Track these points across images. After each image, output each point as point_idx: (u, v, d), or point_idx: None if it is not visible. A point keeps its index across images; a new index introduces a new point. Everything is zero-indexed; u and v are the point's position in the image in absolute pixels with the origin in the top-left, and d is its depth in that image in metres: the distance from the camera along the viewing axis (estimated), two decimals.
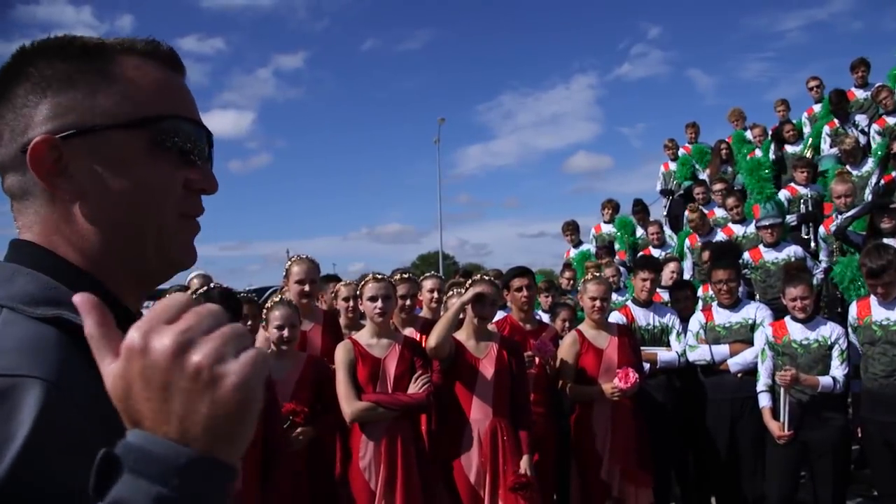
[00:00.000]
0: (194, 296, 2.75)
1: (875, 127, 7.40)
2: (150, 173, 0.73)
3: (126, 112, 0.72)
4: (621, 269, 6.92)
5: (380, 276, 3.60)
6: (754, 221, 6.53)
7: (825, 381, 3.95)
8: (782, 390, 4.00)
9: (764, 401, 4.18)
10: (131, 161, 0.72)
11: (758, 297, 5.90)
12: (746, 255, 6.10)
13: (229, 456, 0.52)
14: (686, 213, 7.44)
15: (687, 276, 6.62)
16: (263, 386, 0.53)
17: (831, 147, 7.73)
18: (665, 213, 9.51)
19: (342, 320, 4.19)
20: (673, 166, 9.58)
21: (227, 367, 0.51)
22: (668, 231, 8.15)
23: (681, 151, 9.69)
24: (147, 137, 0.73)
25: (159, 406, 0.50)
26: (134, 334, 0.52)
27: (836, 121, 7.87)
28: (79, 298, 0.56)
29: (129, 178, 0.72)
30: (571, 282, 7.40)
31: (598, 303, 4.13)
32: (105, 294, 0.71)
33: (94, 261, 0.73)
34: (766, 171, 7.35)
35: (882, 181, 6.14)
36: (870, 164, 6.81)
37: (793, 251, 6.00)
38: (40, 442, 0.55)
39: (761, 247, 6.09)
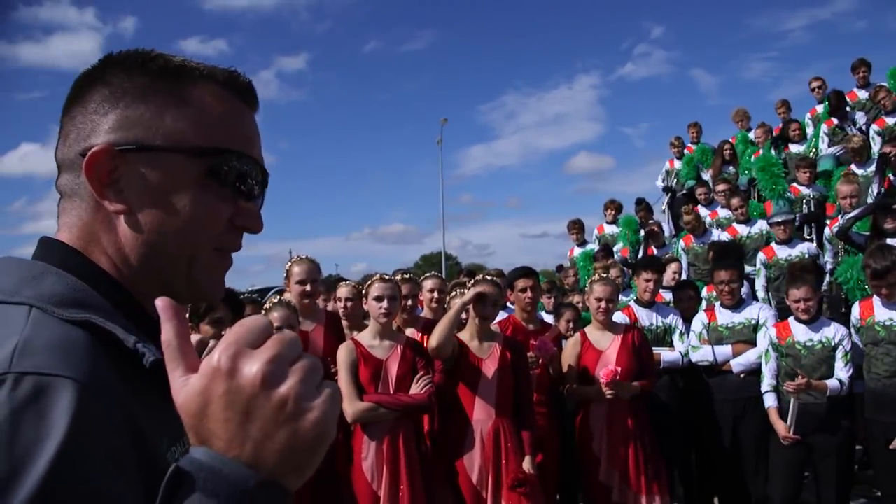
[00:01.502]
0: None
1: (874, 127, 7.40)
2: (197, 202, 0.73)
3: (189, 138, 0.72)
4: (624, 269, 6.92)
5: (387, 277, 3.61)
6: (767, 218, 6.53)
7: (832, 384, 3.93)
8: (792, 397, 3.98)
9: (769, 401, 4.17)
10: (182, 187, 0.72)
11: (769, 296, 5.89)
12: (761, 255, 6.10)
13: (294, 485, 0.54)
14: (684, 214, 7.45)
15: (683, 277, 6.62)
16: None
17: (829, 146, 7.72)
18: (663, 209, 9.51)
19: (344, 321, 4.19)
20: (678, 164, 9.58)
21: (312, 402, 0.53)
22: (668, 231, 8.16)
23: (685, 151, 9.69)
24: (204, 166, 0.73)
25: (237, 429, 0.52)
26: (221, 356, 0.53)
27: (833, 119, 7.87)
28: (161, 303, 0.58)
29: (175, 202, 0.72)
30: (574, 280, 7.40)
31: (603, 304, 4.12)
32: (134, 303, 0.73)
33: (125, 273, 0.74)
34: (778, 167, 7.35)
35: (883, 187, 6.12)
36: (873, 165, 6.80)
37: (806, 248, 6.00)
38: (75, 442, 0.55)
39: (774, 244, 6.08)
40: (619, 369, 3.93)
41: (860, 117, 7.68)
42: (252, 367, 0.52)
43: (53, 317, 0.64)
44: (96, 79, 0.73)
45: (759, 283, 6.11)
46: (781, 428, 4.04)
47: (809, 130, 8.55)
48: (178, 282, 0.76)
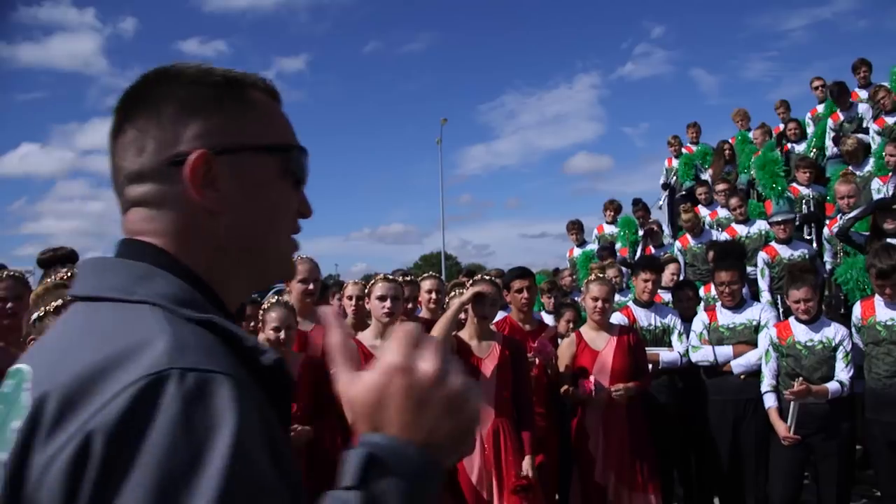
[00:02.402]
0: None
1: (874, 127, 7.38)
2: (278, 195, 0.80)
3: (263, 138, 0.79)
4: (623, 269, 6.91)
5: (391, 277, 3.62)
6: (767, 217, 6.52)
7: (833, 387, 3.91)
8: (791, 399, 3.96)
9: (769, 401, 4.15)
10: (265, 183, 0.79)
11: (774, 297, 5.88)
12: (764, 254, 6.09)
13: (451, 463, 0.65)
14: (682, 213, 7.44)
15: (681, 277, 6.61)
16: None
17: (835, 144, 7.70)
18: (661, 207, 9.51)
19: (347, 319, 4.18)
20: (676, 163, 9.57)
21: (471, 395, 0.65)
22: (667, 231, 8.15)
23: (683, 150, 9.69)
24: (278, 162, 0.80)
25: (412, 418, 0.62)
26: (398, 356, 0.64)
27: (840, 114, 7.84)
28: (327, 310, 0.72)
29: (262, 197, 0.79)
30: (572, 280, 7.39)
31: (599, 304, 4.11)
32: (221, 303, 0.78)
33: (211, 271, 0.77)
34: (778, 166, 7.34)
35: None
36: (871, 164, 6.79)
37: (807, 251, 6.00)
38: (242, 431, 0.58)
39: (775, 244, 6.08)
40: (590, 384, 3.94)
41: (865, 110, 7.64)
42: (426, 366, 0.63)
43: (178, 316, 0.67)
44: (161, 94, 0.77)
45: (764, 284, 6.09)
46: (782, 428, 4.03)
47: (810, 130, 8.55)
48: (266, 268, 0.82)
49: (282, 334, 3.37)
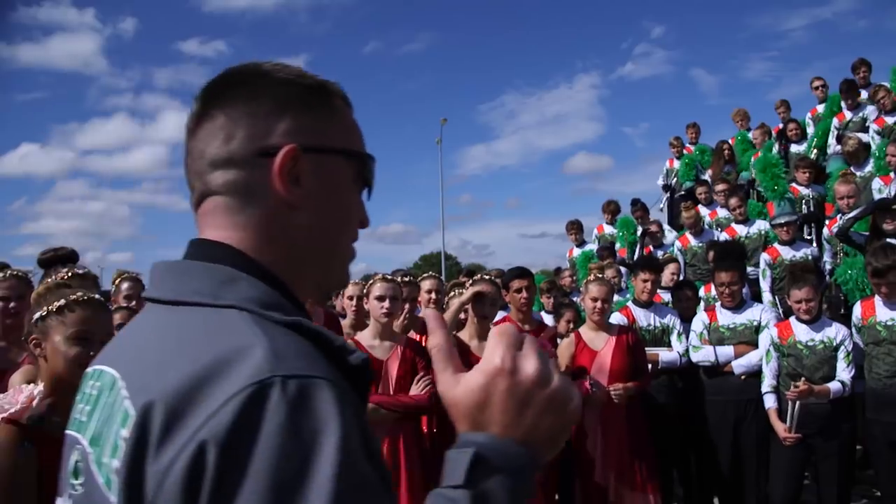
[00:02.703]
0: None
1: (874, 126, 7.38)
2: (351, 200, 0.83)
3: (345, 143, 0.82)
4: (622, 269, 6.92)
5: (389, 277, 3.62)
6: (769, 219, 6.53)
7: (835, 387, 3.92)
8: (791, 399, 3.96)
9: (770, 401, 4.15)
10: (342, 186, 0.81)
11: (776, 299, 5.88)
12: (766, 255, 6.10)
13: (547, 459, 0.67)
14: (684, 211, 7.44)
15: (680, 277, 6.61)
16: None
17: (838, 142, 7.69)
18: (662, 208, 9.52)
19: (347, 319, 4.19)
20: (678, 164, 9.59)
21: (571, 394, 0.67)
22: (667, 230, 8.16)
23: (683, 151, 9.70)
24: (354, 168, 0.82)
25: (514, 417, 0.64)
26: (502, 358, 0.65)
27: (846, 113, 7.83)
28: (430, 313, 0.73)
29: (337, 199, 0.81)
30: (572, 280, 7.40)
31: (598, 304, 4.12)
32: (299, 303, 0.78)
33: (288, 269, 0.78)
34: (779, 168, 7.35)
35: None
36: (871, 164, 6.79)
37: (809, 251, 6.00)
38: (347, 435, 0.59)
39: (777, 245, 6.08)
40: (587, 384, 3.94)
41: (871, 112, 7.65)
42: (529, 367, 0.65)
43: (267, 320, 0.68)
44: (256, 87, 0.79)
45: (765, 286, 6.09)
46: (781, 428, 4.03)
47: (810, 130, 8.55)
48: (329, 271, 0.83)
49: None
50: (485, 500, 0.61)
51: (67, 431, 0.80)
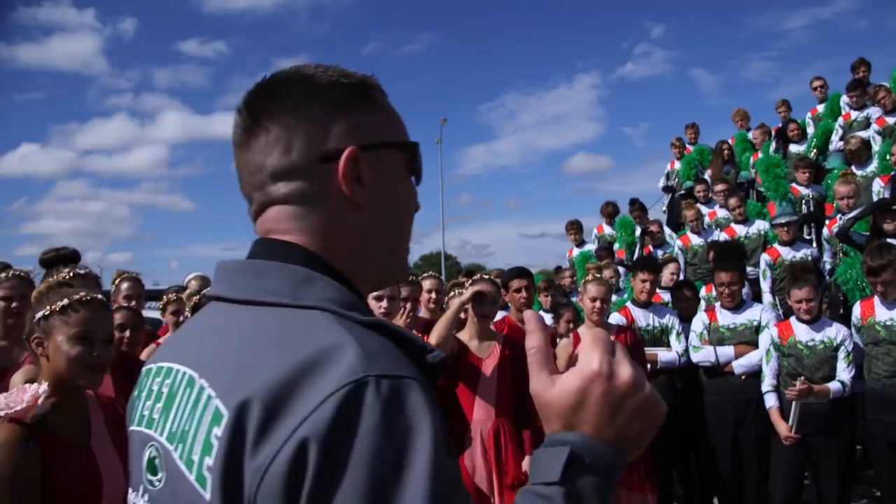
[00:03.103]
0: (197, 296, 2.76)
1: (875, 126, 7.38)
2: (408, 191, 0.85)
3: (396, 136, 0.83)
4: (620, 269, 6.93)
5: None
6: (770, 219, 6.53)
7: (835, 387, 3.93)
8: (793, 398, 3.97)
9: (770, 401, 4.16)
10: (398, 179, 0.83)
11: (776, 300, 5.89)
12: (766, 256, 6.10)
13: (632, 458, 0.70)
14: (685, 209, 7.44)
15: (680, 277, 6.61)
16: None
17: (840, 139, 7.68)
18: (664, 210, 9.52)
19: None
20: (679, 165, 9.59)
21: (659, 401, 0.70)
22: (667, 231, 8.17)
23: (684, 152, 9.70)
24: (406, 160, 0.83)
25: (607, 419, 0.67)
26: (599, 363, 0.67)
27: (850, 113, 7.83)
28: (530, 315, 0.75)
29: (395, 193, 0.82)
30: (572, 280, 7.41)
31: (597, 304, 4.13)
32: (364, 299, 0.80)
33: (353, 268, 0.79)
34: (780, 168, 7.35)
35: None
36: (874, 164, 6.79)
37: (809, 252, 6.00)
38: (437, 433, 0.61)
39: (778, 245, 6.09)
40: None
41: (875, 112, 7.66)
42: (625, 373, 0.68)
43: (349, 320, 0.69)
44: (302, 93, 0.79)
45: (766, 286, 6.09)
46: (783, 428, 4.03)
47: (810, 130, 8.55)
48: (393, 267, 0.85)
49: None
50: (578, 498, 0.63)
51: (134, 427, 0.82)
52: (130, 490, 0.82)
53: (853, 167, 6.83)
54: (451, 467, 0.63)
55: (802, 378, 3.90)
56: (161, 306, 4.05)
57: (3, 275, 2.91)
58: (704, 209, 7.87)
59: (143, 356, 3.35)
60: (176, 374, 0.76)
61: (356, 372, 0.62)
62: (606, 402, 0.67)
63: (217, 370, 0.70)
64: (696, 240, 7.11)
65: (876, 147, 7.06)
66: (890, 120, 7.24)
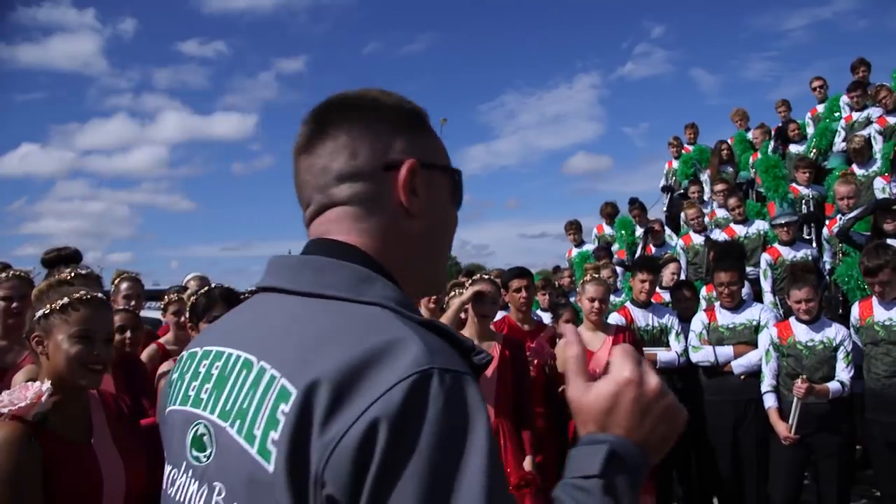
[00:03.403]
0: (196, 295, 2.77)
1: (876, 126, 7.38)
2: (451, 210, 0.93)
3: (444, 160, 0.92)
4: (618, 269, 6.92)
5: None
6: (770, 219, 6.53)
7: (834, 387, 3.93)
8: (795, 397, 3.97)
9: (770, 401, 4.16)
10: (444, 198, 0.91)
11: (777, 300, 5.89)
12: (767, 256, 6.10)
13: (655, 462, 0.76)
14: (685, 209, 7.43)
15: (682, 276, 6.60)
16: None
17: (843, 141, 7.68)
18: (665, 210, 9.52)
19: None
20: (676, 164, 9.59)
21: (682, 409, 0.77)
22: (667, 231, 8.17)
23: (682, 151, 9.70)
24: (450, 183, 0.92)
25: (636, 422, 0.74)
26: (630, 371, 0.75)
27: (852, 114, 7.83)
28: (569, 328, 0.83)
29: (443, 209, 0.90)
30: (570, 281, 7.41)
31: (596, 304, 4.13)
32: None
33: (401, 271, 0.85)
34: (780, 169, 7.35)
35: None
36: (877, 164, 6.79)
37: (809, 252, 6.01)
38: (489, 426, 0.67)
39: (778, 245, 6.09)
40: (598, 371, 3.96)
41: (875, 112, 7.66)
42: (653, 381, 0.76)
43: (406, 318, 0.75)
44: (370, 110, 0.88)
45: (767, 286, 6.09)
46: (783, 428, 4.03)
47: (810, 130, 8.55)
48: (435, 276, 0.93)
49: None
50: (614, 491, 0.70)
51: (176, 407, 0.86)
52: (170, 468, 0.85)
53: (855, 166, 6.83)
54: (501, 463, 0.68)
55: (803, 377, 3.90)
56: (162, 307, 4.06)
57: (3, 275, 2.91)
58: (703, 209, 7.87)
59: (143, 357, 3.35)
60: (228, 358, 0.80)
61: (421, 363, 0.67)
62: (637, 407, 0.74)
63: (280, 354, 0.74)
64: (697, 239, 7.11)
65: (877, 146, 7.06)
66: (891, 120, 7.23)
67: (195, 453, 0.79)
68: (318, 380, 0.67)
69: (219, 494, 0.74)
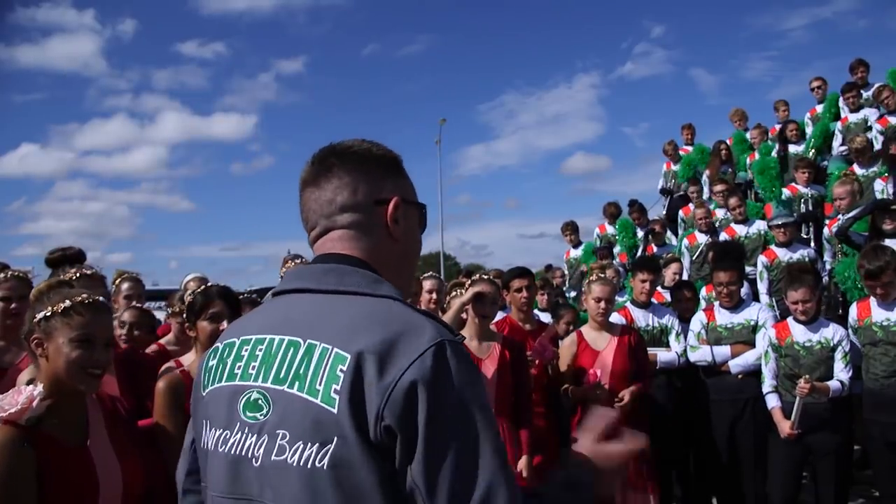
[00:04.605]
0: (194, 293, 2.74)
1: (877, 127, 7.38)
2: (418, 237, 1.22)
3: (415, 197, 1.22)
4: (620, 270, 6.91)
5: None
6: (767, 220, 6.51)
7: (834, 386, 3.92)
8: (798, 396, 3.94)
9: (773, 401, 4.14)
10: (415, 227, 1.20)
11: (773, 301, 5.87)
12: (763, 257, 6.09)
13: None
14: (693, 208, 7.40)
15: (684, 276, 6.59)
16: None
17: (842, 144, 7.67)
18: (664, 212, 9.51)
19: None
20: (675, 166, 9.58)
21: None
22: (668, 233, 8.16)
23: (680, 153, 9.68)
24: (418, 215, 1.21)
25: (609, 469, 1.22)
26: (629, 449, 1.28)
27: (848, 116, 7.82)
28: (605, 412, 1.29)
29: (414, 237, 1.20)
30: (562, 280, 7.39)
31: (602, 304, 4.12)
32: None
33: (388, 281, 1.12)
34: (775, 170, 7.34)
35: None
36: (879, 164, 6.78)
37: (806, 253, 5.99)
38: (481, 372, 1.01)
39: (774, 247, 6.08)
40: (598, 371, 3.95)
41: (872, 114, 7.65)
42: (631, 447, 1.24)
43: (414, 308, 1.03)
44: (365, 158, 1.16)
45: (763, 288, 6.08)
46: (786, 426, 4.00)
47: (809, 130, 8.55)
48: (406, 285, 1.20)
49: None
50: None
51: (223, 384, 1.07)
52: (217, 430, 1.06)
53: (856, 166, 6.82)
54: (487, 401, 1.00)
55: (806, 377, 3.89)
56: (170, 312, 4.06)
57: (2, 275, 2.89)
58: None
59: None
60: (271, 342, 1.04)
61: (437, 337, 0.97)
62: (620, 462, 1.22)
63: (325, 333, 0.99)
64: (702, 238, 7.08)
65: (878, 147, 7.05)
66: (893, 120, 7.23)
67: (250, 414, 1.01)
68: (363, 350, 0.94)
69: (282, 439, 0.96)
